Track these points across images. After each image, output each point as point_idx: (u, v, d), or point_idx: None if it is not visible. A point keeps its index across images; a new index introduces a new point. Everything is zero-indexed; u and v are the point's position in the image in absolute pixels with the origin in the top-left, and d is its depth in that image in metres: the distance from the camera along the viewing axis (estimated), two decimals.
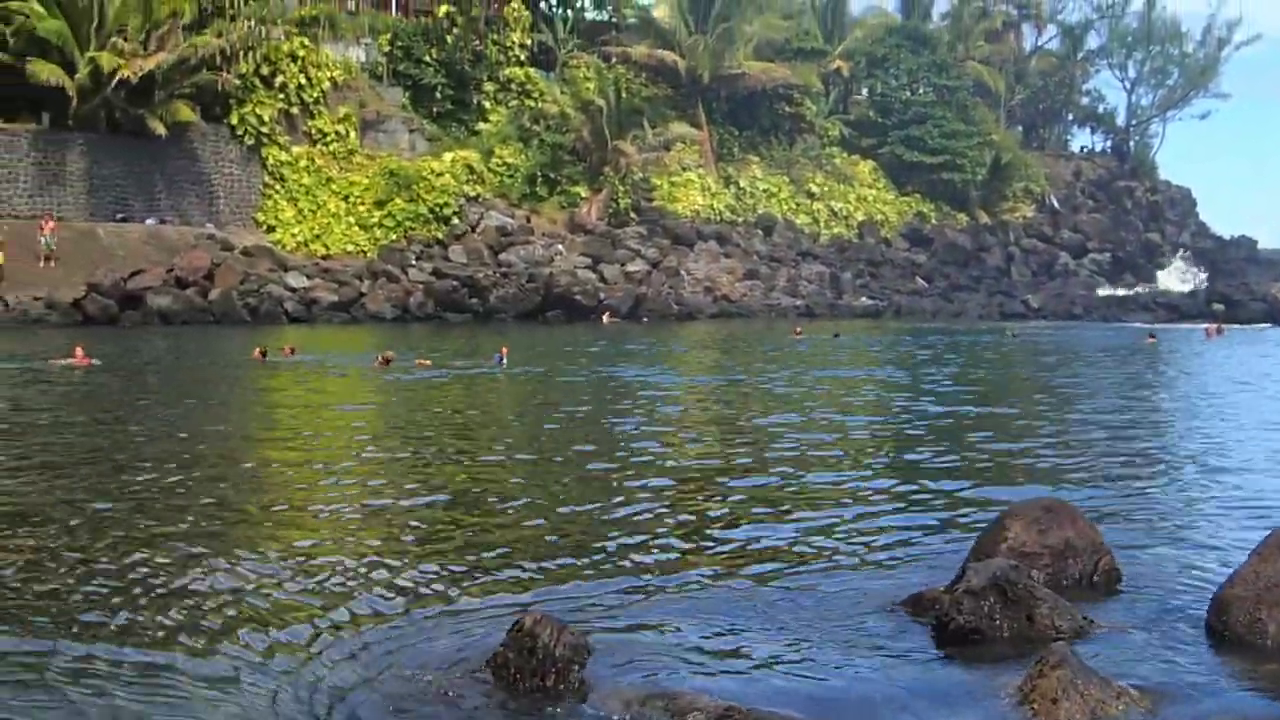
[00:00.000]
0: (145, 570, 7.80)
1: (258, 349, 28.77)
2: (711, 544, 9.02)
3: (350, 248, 57.68)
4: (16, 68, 50.31)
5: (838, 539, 9.10)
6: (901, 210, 78.37)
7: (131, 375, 25.50)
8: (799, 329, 43.75)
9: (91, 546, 8.41)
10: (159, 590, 7.36)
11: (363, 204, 59.07)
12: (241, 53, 57.64)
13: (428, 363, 27.56)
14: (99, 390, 21.88)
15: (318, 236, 57.77)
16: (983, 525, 8.22)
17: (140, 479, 11.47)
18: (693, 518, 10.13)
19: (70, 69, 51.06)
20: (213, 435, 15.48)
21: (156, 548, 8.40)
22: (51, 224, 48.35)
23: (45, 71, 50.20)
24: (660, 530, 9.41)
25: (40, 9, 51.21)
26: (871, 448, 14.99)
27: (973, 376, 27.62)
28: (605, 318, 51.64)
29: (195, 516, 9.71)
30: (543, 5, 74.49)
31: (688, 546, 8.94)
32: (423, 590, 7.49)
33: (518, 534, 9.23)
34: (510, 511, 10.22)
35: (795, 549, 8.79)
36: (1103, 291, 74.33)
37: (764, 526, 9.68)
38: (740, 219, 70.66)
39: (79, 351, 26.68)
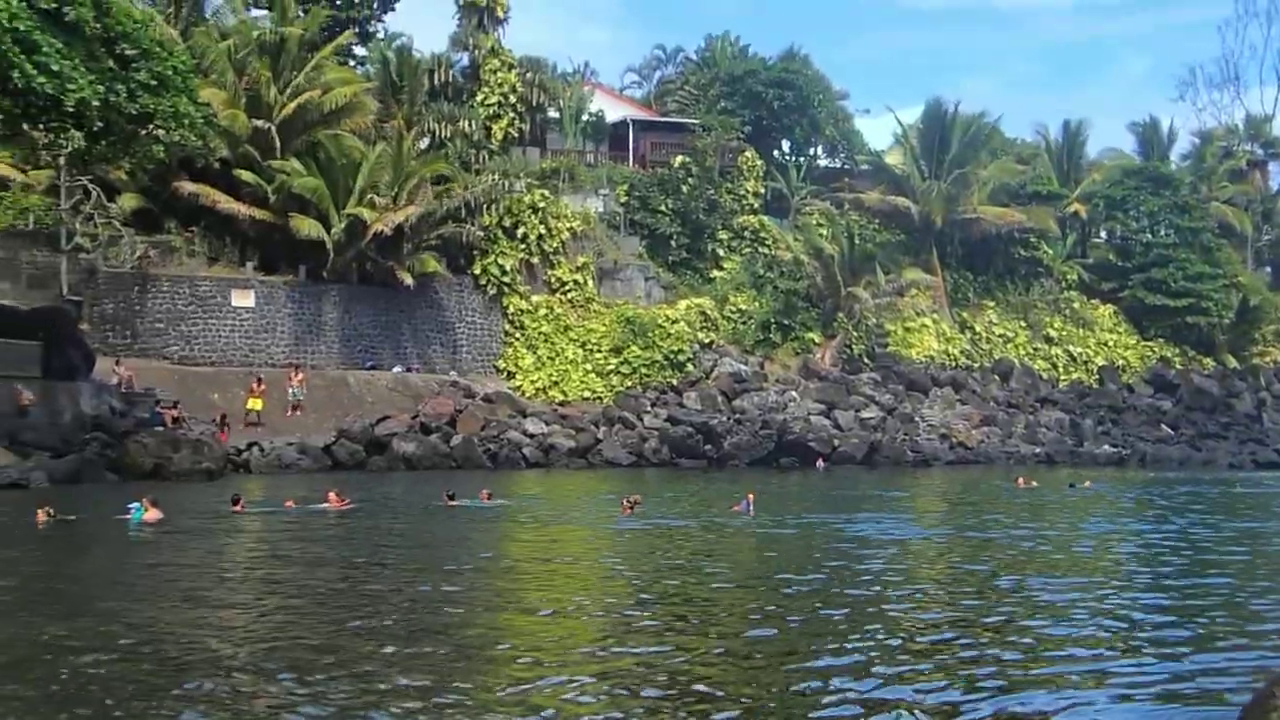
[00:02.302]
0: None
1: (445, 494, 29.84)
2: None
3: (587, 394, 59.07)
4: (278, 224, 53.56)
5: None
6: (1144, 355, 76.49)
7: (379, 519, 26.55)
8: (1021, 479, 42.72)
9: (332, 692, 8.98)
10: None
11: (600, 351, 60.52)
12: (485, 205, 60.16)
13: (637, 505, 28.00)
14: (353, 533, 23.04)
15: (556, 383, 59.34)
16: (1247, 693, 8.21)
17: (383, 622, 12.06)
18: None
19: (327, 223, 54.00)
20: (464, 581, 16.13)
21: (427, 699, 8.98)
22: (300, 376, 50.76)
23: (306, 226, 53.28)
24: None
25: (300, 168, 54.39)
26: (1122, 618, 14.49)
27: (1227, 531, 26.85)
28: (820, 464, 51.64)
29: (444, 668, 10.27)
30: (776, 154, 75.95)
31: None
32: None
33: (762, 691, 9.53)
34: (755, 661, 10.51)
35: None
36: None
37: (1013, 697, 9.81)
38: (976, 364, 70.11)
39: (332, 495, 28.04)
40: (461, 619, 12.98)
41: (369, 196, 55.13)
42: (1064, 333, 74.54)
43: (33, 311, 44.44)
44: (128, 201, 52.02)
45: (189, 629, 12.12)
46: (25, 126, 39.02)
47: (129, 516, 23.92)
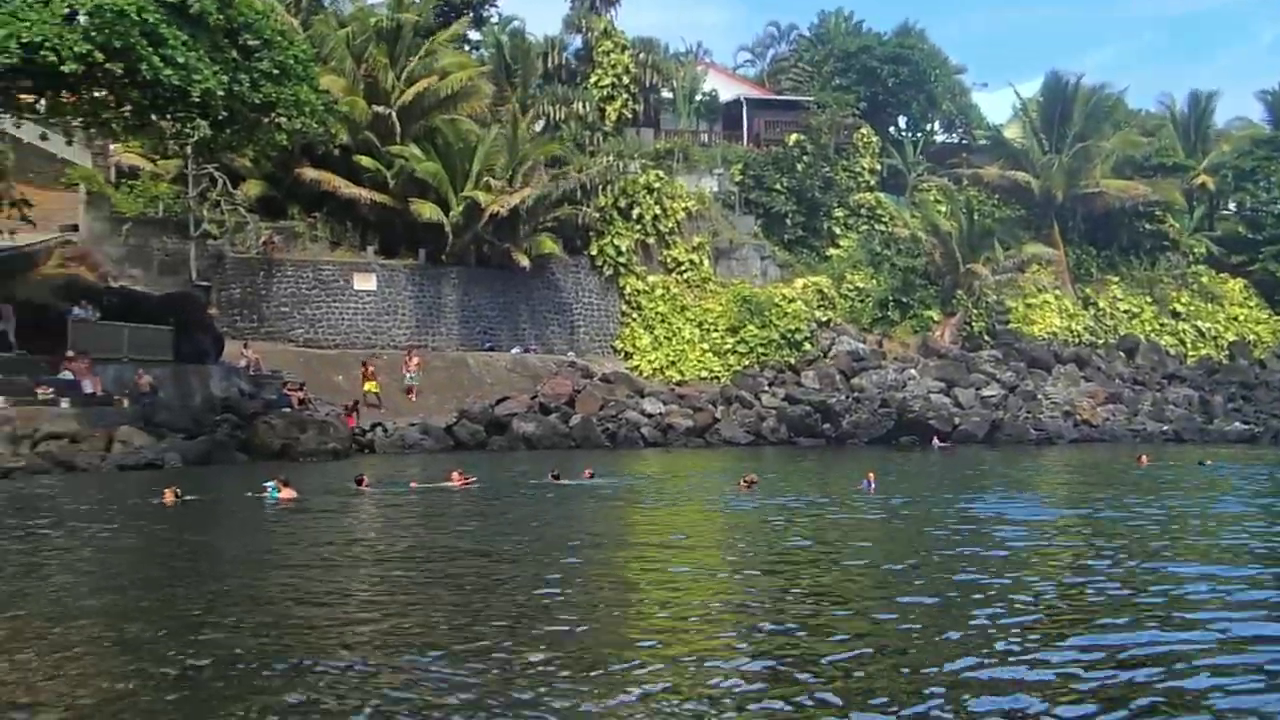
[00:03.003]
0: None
1: (587, 470, 30.39)
2: None
3: (704, 374, 59.36)
4: (397, 208, 54.53)
5: None
6: (1276, 330, 74.92)
7: (498, 497, 26.99)
8: (1144, 457, 41.61)
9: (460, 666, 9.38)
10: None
11: (716, 330, 60.75)
12: (601, 187, 60.66)
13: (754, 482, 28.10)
14: (474, 511, 23.55)
15: (673, 363, 59.70)
16: None
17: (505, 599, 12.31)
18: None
19: (445, 207, 54.83)
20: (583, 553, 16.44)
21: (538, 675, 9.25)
22: (415, 360, 51.56)
23: (426, 210, 54.19)
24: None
25: (419, 153, 55.28)
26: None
27: None
28: (935, 442, 51.29)
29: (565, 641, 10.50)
30: (891, 130, 75.51)
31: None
32: None
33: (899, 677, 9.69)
34: (887, 642, 10.68)
35: None
36: None
37: None
38: (1100, 341, 69.15)
39: (455, 475, 28.67)
40: (585, 596, 13.10)
41: (485, 179, 55.83)
42: (1192, 308, 73.16)
43: (164, 297, 45.74)
44: (252, 188, 53.24)
45: (320, 605, 12.35)
46: (154, 117, 40.06)
47: (264, 495, 24.65)
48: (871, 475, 28.34)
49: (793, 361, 59.80)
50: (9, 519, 21.63)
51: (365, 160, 54.70)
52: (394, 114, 55.79)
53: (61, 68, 32.51)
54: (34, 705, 8.14)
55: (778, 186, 66.37)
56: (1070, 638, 10.98)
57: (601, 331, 60.48)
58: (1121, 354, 68.61)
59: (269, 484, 25.14)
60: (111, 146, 52.51)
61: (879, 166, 70.40)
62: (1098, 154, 71.76)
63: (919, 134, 77.33)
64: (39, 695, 8.35)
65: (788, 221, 66.42)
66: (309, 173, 53.71)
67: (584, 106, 64.66)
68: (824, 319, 62.86)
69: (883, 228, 67.41)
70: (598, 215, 60.13)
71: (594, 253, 60.45)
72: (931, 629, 11.33)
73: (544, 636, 10.61)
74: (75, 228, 50.53)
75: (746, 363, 59.76)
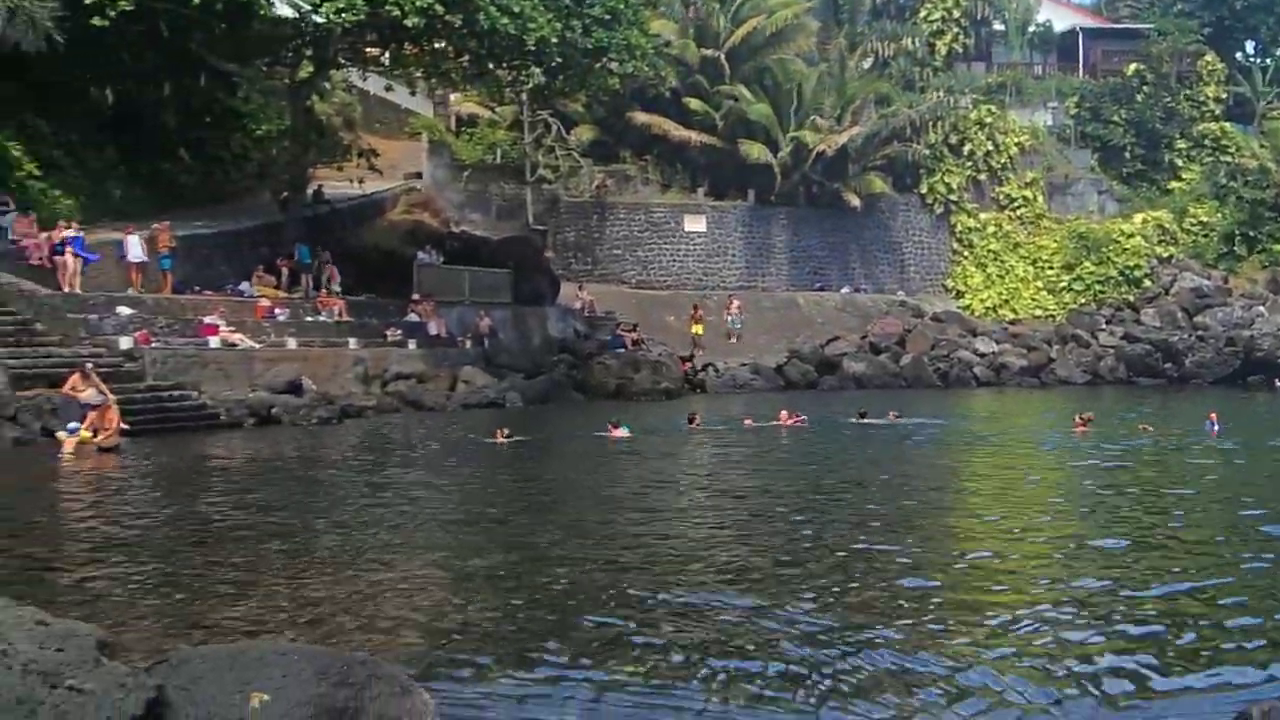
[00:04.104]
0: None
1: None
2: None
3: (1039, 312, 57.16)
4: (727, 149, 54.18)
5: None
6: None
7: (824, 438, 26.30)
8: None
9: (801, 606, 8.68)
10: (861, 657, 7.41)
11: (1051, 268, 58.37)
12: (930, 123, 58.89)
13: (1149, 428, 26.68)
14: (800, 451, 23.01)
15: (1006, 301, 57.70)
16: None
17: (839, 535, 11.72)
18: None
19: (774, 147, 54.19)
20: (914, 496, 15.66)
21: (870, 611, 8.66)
22: (737, 304, 51.18)
23: (755, 151, 53.62)
24: None
25: (749, 94, 54.74)
26: None
27: None
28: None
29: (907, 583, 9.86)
30: (1239, 56, 70.88)
31: None
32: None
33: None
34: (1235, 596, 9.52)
35: None
36: None
37: None
38: None
39: (783, 414, 28.19)
40: (916, 538, 12.47)
41: (813, 119, 54.94)
42: None
43: (502, 241, 46.64)
44: (585, 133, 53.68)
45: (658, 541, 12.10)
46: (491, 66, 40.72)
47: (606, 434, 24.69)
48: (1213, 416, 26.55)
49: (1131, 299, 56.99)
50: (363, 455, 22.18)
51: (694, 103, 54.43)
52: (722, 55, 55.30)
53: (404, 21, 33.24)
54: (391, 630, 8.21)
55: (1115, 118, 63.09)
56: None
57: (932, 270, 58.86)
58: None
59: (615, 421, 25.21)
60: (451, 96, 53.78)
61: (1224, 95, 66.06)
62: None
63: (1269, 59, 72.14)
64: (394, 622, 8.42)
65: (1126, 154, 63.10)
66: (640, 116, 53.79)
67: (913, 42, 62.86)
68: (1165, 255, 59.48)
69: (1229, 159, 63.20)
70: (927, 152, 58.42)
71: (924, 190, 58.79)
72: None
73: (875, 578, 10.05)
74: (419, 175, 52.10)
75: (1082, 300, 57.27)
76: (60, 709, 3.54)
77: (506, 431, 23.74)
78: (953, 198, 58.86)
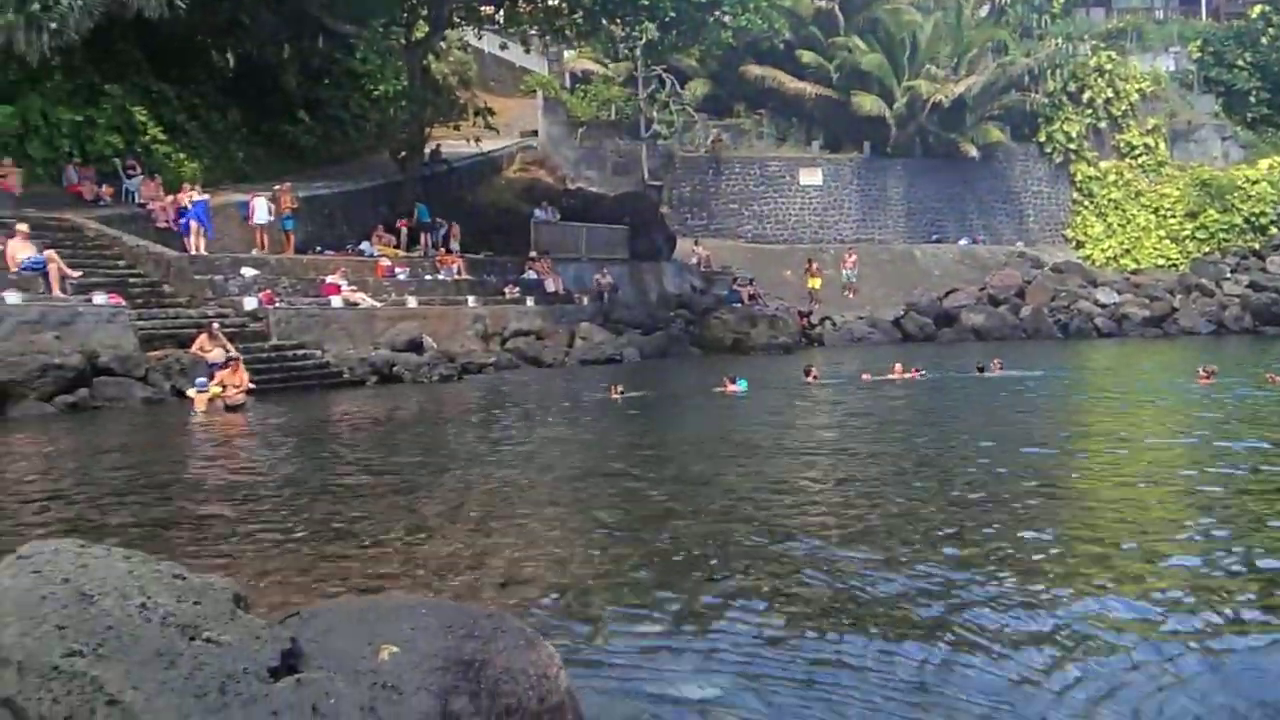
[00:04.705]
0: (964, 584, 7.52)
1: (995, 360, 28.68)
2: None
3: (1160, 261, 55.65)
4: (841, 101, 53.36)
5: None
6: None
7: (941, 389, 25.71)
8: None
9: (924, 557, 8.34)
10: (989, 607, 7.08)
11: (1173, 216, 56.75)
12: (1049, 71, 57.53)
13: (1277, 379, 25.75)
14: (917, 403, 22.51)
15: (1127, 251, 56.29)
16: None
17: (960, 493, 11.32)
18: None
19: (889, 99, 53.27)
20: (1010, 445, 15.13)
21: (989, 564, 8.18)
22: (853, 257, 50.48)
23: (867, 102, 52.74)
24: None
25: (863, 45, 53.79)
26: None
27: None
28: None
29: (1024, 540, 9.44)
30: None
31: None
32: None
33: None
34: None
35: None
36: None
37: None
38: None
39: (898, 367, 27.67)
40: (1041, 492, 11.92)
41: (927, 68, 53.93)
42: None
43: (618, 197, 46.41)
44: (698, 88, 53.23)
45: (775, 494, 11.92)
46: (604, 22, 40.46)
47: (722, 389, 24.42)
48: None
49: (1258, 247, 55.16)
50: (482, 412, 22.13)
51: (808, 55, 53.63)
52: (836, 6, 54.38)
53: None
54: (512, 583, 8.19)
55: (1240, 62, 61.04)
56: None
57: (1051, 220, 57.57)
58: None
59: (739, 379, 24.93)
60: (565, 53, 53.62)
61: None
62: None
63: None
64: (515, 576, 8.41)
65: (1251, 99, 61.03)
66: (754, 70, 53.14)
67: None
68: None
69: None
70: (1046, 101, 57.07)
71: (1042, 139, 57.42)
72: None
73: (994, 532, 9.62)
74: (534, 133, 52.01)
75: (1206, 249, 55.58)
76: (198, 660, 3.67)
77: (620, 388, 23.56)
78: (1072, 146, 57.45)
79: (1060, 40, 58.68)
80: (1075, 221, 57.52)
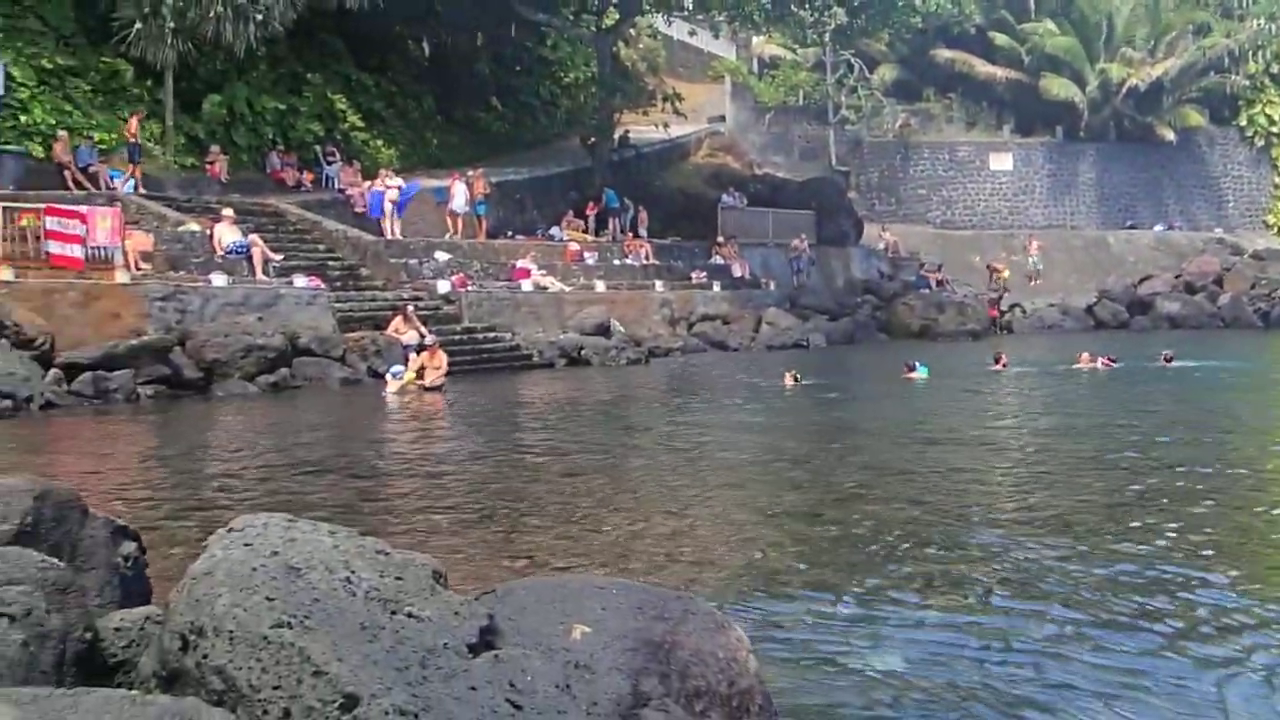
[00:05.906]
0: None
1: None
2: None
3: None
4: (1032, 85, 51.90)
5: None
6: None
7: (1130, 379, 24.57)
8: None
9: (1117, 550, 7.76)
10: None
11: None
12: (1250, 52, 55.15)
13: None
14: (1103, 392, 21.53)
15: None
16: None
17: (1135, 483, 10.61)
18: None
19: (1080, 82, 51.62)
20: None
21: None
22: (1037, 244, 49.01)
23: (1057, 86, 51.21)
24: None
25: (1053, 28, 52.27)
26: None
27: None
28: None
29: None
30: None
31: None
32: None
33: None
34: None
35: None
36: None
37: None
38: None
39: (1084, 356, 26.61)
40: (1235, 485, 11.24)
41: (1123, 51, 52.14)
42: None
43: (805, 182, 45.77)
44: (887, 72, 52.33)
45: (965, 481, 11.54)
46: (792, 7, 39.85)
47: (911, 376, 23.79)
48: None
49: None
50: (669, 396, 21.86)
51: (1000, 38, 52.31)
52: None
53: None
54: (699, 565, 8.10)
55: None
56: None
57: (1252, 206, 55.19)
58: None
59: (917, 364, 24.24)
60: (753, 39, 53.16)
61: None
62: None
63: None
64: (702, 558, 8.33)
65: None
66: (943, 54, 52.06)
67: None
68: None
69: None
70: (1247, 83, 54.68)
71: (1243, 123, 55.10)
72: None
73: (1188, 525, 8.99)
74: (721, 119, 51.63)
75: None
76: (400, 634, 3.76)
77: (796, 374, 23.06)
78: (1274, 130, 54.99)
79: (1263, 20, 56.08)
80: (1277, 207, 55.09)
